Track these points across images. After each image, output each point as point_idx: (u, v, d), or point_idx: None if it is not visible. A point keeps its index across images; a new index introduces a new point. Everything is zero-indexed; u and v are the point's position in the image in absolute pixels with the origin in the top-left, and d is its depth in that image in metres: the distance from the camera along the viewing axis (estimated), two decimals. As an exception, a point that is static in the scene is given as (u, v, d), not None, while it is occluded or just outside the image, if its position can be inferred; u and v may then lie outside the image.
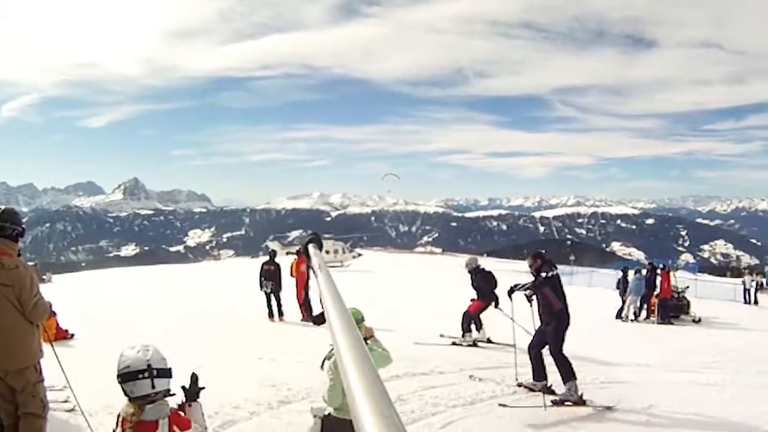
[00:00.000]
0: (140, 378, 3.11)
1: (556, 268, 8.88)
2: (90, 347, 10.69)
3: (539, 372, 8.77)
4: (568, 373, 8.27)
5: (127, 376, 3.13)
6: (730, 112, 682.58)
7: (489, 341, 12.56)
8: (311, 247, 2.30)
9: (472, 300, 12.83)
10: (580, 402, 8.04)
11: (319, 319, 5.53)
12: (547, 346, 8.63)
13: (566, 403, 8.05)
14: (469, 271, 13.22)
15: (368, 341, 5.34)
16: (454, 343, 12.49)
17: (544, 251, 9.65)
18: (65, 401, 6.66)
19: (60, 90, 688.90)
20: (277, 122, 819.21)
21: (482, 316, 12.64)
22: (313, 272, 2.03)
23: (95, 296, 23.19)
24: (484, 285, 12.64)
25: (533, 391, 8.65)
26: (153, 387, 3.14)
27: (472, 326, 12.59)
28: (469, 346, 12.31)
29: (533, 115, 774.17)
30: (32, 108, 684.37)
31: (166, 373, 3.22)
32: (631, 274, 19.72)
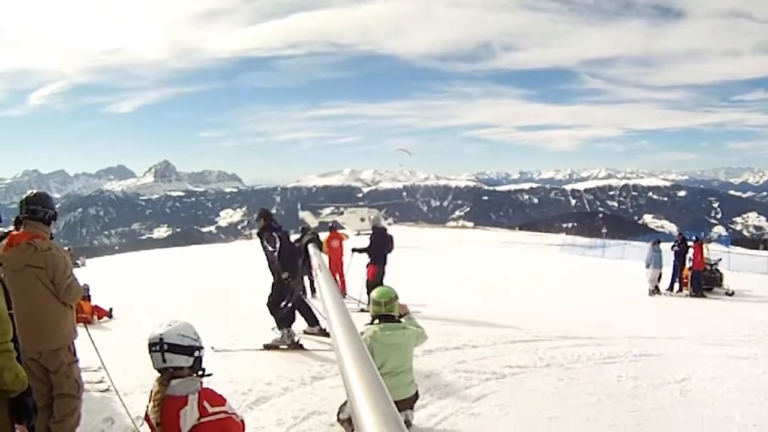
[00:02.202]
0: (153, 351, 3.14)
1: (278, 229, 9.32)
2: (124, 328, 10.90)
3: (311, 318, 9.80)
4: (283, 322, 9.15)
5: (148, 349, 3.18)
6: (760, 82, 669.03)
7: None
8: (311, 247, 2.30)
9: (367, 266, 12.35)
10: (295, 347, 8.98)
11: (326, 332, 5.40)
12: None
13: (281, 347, 9.00)
14: (372, 228, 13.03)
15: (402, 319, 5.35)
16: (363, 310, 11.88)
17: (272, 213, 9.93)
18: (100, 381, 6.78)
19: (87, 77, 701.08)
20: (304, 101, 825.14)
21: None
22: (313, 273, 2.04)
23: (129, 279, 23.67)
24: (378, 247, 12.30)
25: (313, 335, 9.73)
26: (164, 361, 3.14)
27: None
28: None
29: (561, 88, 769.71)
30: (60, 95, 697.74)
31: (182, 350, 3.17)
32: (662, 246, 19.32)
